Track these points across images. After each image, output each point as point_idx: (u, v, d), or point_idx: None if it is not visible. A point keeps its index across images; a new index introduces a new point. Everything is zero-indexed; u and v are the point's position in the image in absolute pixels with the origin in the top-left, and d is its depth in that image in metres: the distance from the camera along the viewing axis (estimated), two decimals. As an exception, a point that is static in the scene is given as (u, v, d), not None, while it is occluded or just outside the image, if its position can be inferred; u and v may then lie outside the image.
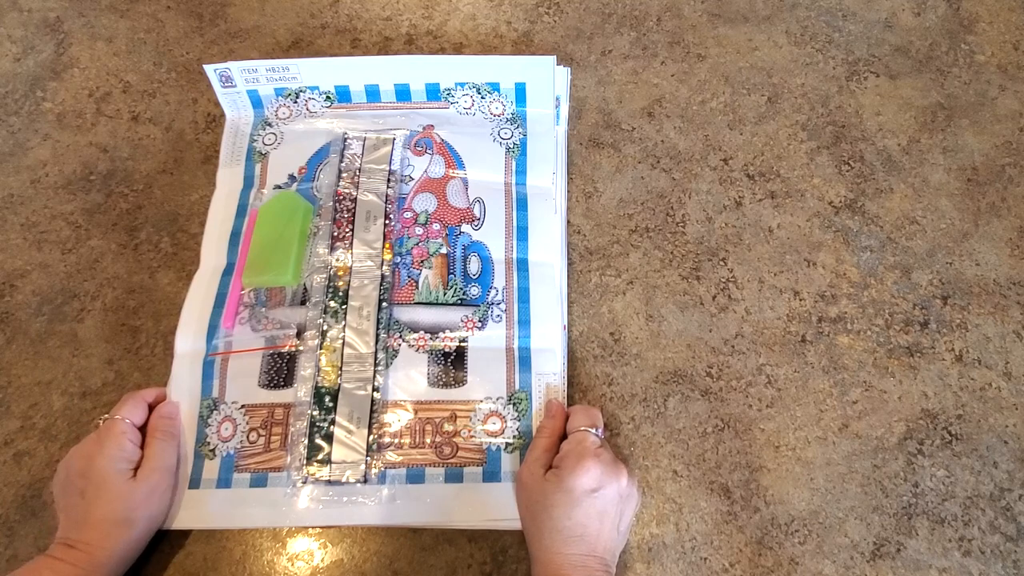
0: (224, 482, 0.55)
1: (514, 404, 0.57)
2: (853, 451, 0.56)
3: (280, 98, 0.68)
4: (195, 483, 0.55)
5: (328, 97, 0.68)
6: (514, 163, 0.65)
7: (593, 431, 0.52)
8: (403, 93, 0.67)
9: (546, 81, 0.66)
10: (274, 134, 0.67)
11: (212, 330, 0.59)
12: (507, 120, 0.67)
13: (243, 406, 0.57)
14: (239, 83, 0.67)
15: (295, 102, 0.68)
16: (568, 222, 0.65)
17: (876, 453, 0.56)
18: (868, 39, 0.73)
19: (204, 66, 0.65)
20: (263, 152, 0.67)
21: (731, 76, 0.71)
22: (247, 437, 0.56)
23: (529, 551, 0.50)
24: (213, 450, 0.56)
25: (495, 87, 0.67)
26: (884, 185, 0.66)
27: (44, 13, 0.77)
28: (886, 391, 0.58)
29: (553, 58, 0.64)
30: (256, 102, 0.68)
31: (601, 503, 0.49)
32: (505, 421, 0.56)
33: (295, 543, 0.55)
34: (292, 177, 0.65)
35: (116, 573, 0.50)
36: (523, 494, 0.52)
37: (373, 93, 0.67)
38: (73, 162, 0.69)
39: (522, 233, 0.62)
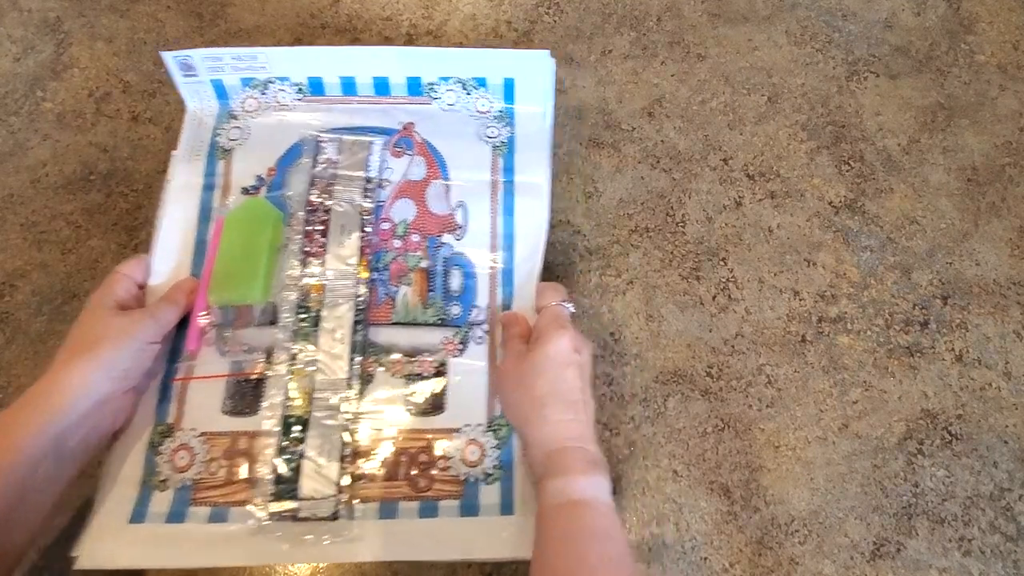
0: (177, 516, 0.50)
1: (494, 431, 0.53)
2: (853, 451, 0.56)
3: (247, 89, 0.62)
4: (139, 517, 0.50)
5: (300, 89, 0.63)
6: (501, 162, 0.61)
7: (565, 305, 0.54)
8: (382, 86, 0.63)
9: (539, 77, 0.61)
10: (239, 128, 0.62)
11: (174, 352, 0.55)
12: (494, 118, 0.63)
13: (203, 433, 0.53)
14: (201, 72, 0.61)
15: (263, 93, 0.62)
16: (568, 222, 0.65)
17: (876, 453, 0.56)
18: (868, 39, 0.73)
19: (161, 53, 0.61)
20: (227, 148, 0.61)
21: (731, 76, 0.71)
22: (207, 467, 0.52)
23: (523, 441, 0.51)
24: (165, 481, 0.51)
25: (482, 82, 0.62)
26: (884, 185, 0.66)
27: (44, 13, 0.77)
28: (886, 391, 0.58)
29: (547, 52, 0.60)
30: (221, 92, 0.63)
31: (583, 364, 0.51)
32: (484, 450, 0.52)
33: (295, 543, 0.55)
34: (260, 179, 0.60)
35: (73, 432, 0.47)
36: (509, 378, 0.52)
37: (349, 86, 0.63)
38: (73, 162, 0.69)
39: (508, 241, 0.58)
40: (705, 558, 0.53)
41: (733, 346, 0.60)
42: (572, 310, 0.54)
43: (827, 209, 0.65)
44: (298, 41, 0.74)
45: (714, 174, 0.67)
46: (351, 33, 0.75)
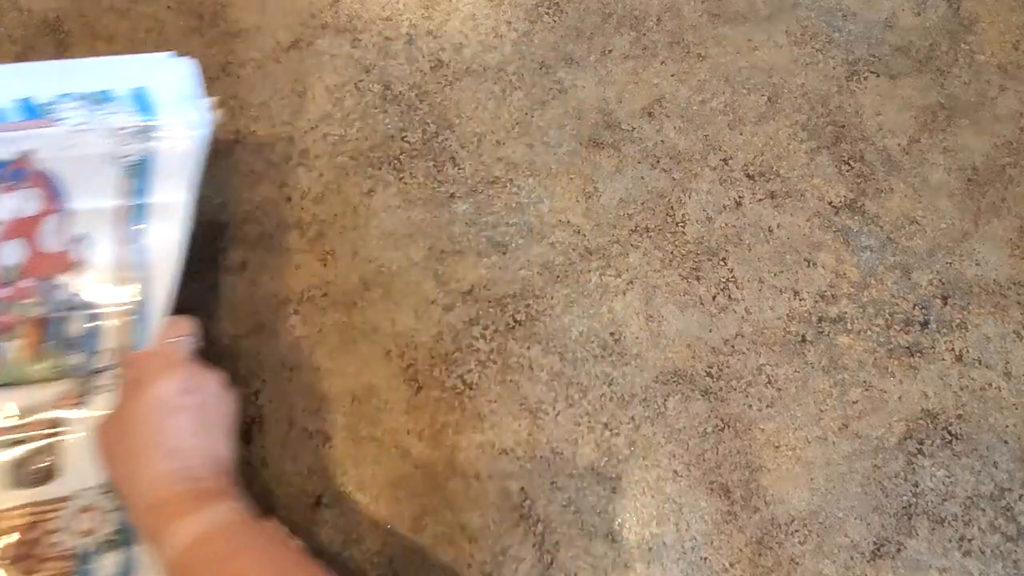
0: None
1: (112, 492, 0.47)
2: (853, 451, 0.56)
3: None
4: None
5: None
6: (135, 183, 0.54)
7: (186, 340, 0.48)
8: None
9: (178, 82, 0.55)
10: None
11: None
12: (131, 135, 0.55)
13: None
14: None
15: None
16: (568, 222, 0.65)
17: (876, 453, 0.56)
18: (868, 39, 0.73)
19: None
20: None
21: (731, 76, 0.71)
22: None
23: (123, 504, 0.45)
24: None
25: (107, 95, 0.55)
26: (884, 185, 0.66)
27: (44, 13, 0.77)
28: (886, 391, 0.58)
29: (170, 54, 0.53)
30: None
31: (200, 405, 0.45)
32: (101, 516, 0.47)
33: (295, 543, 0.55)
34: None
35: None
36: (107, 434, 0.46)
37: None
38: (73, 162, 0.69)
39: (139, 272, 0.52)
40: (705, 558, 0.53)
41: (733, 346, 0.60)
42: (195, 345, 0.48)
43: (827, 209, 0.65)
44: (297, 41, 0.74)
45: (714, 174, 0.67)
46: (351, 33, 0.75)
